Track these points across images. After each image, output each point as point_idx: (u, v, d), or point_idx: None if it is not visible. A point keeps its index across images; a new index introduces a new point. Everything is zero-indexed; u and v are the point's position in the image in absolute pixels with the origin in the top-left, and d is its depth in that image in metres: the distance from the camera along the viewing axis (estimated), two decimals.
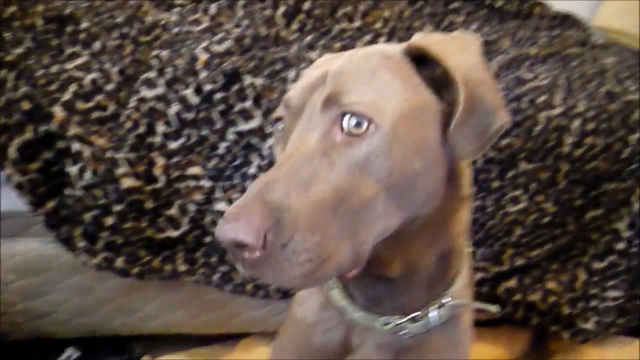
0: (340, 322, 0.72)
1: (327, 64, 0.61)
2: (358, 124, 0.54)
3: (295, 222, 0.49)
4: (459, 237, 0.66)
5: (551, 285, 1.31)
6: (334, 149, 0.54)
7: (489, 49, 1.45)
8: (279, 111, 0.60)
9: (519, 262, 1.27)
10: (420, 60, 0.58)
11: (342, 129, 0.54)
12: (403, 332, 0.68)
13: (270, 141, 1.10)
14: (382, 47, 0.61)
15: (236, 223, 0.48)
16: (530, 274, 1.31)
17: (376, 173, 0.53)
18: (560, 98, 1.23)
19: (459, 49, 0.57)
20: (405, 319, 0.67)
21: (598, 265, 1.29)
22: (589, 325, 1.30)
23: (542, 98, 1.22)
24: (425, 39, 0.59)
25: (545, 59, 1.45)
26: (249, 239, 0.47)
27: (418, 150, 0.56)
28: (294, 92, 0.60)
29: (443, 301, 0.67)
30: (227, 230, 0.48)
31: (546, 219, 1.24)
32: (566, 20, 1.76)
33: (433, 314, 0.67)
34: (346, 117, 0.54)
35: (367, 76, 0.56)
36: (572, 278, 1.30)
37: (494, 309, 0.70)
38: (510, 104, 1.19)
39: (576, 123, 1.19)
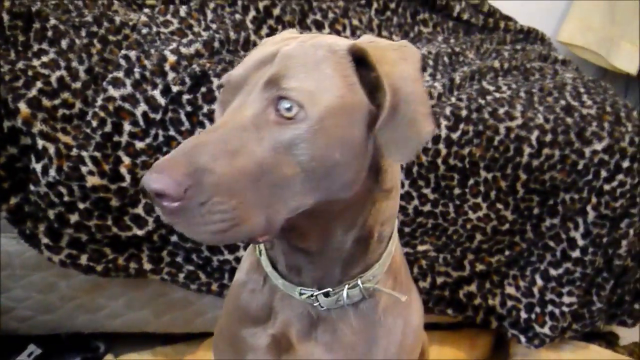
0: (266, 285, 0.77)
1: (282, 43, 0.64)
2: (290, 109, 0.57)
3: (216, 185, 0.53)
4: (380, 226, 0.71)
5: (510, 290, 1.35)
6: (266, 126, 0.57)
7: (455, 60, 1.48)
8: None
9: (480, 267, 1.31)
10: (361, 61, 0.61)
11: (276, 109, 0.57)
12: (317, 304, 0.72)
13: None
14: (332, 39, 0.64)
15: (161, 175, 0.51)
16: (490, 278, 1.35)
17: (298, 156, 0.57)
18: (520, 110, 1.27)
19: (397, 59, 0.61)
20: (318, 292, 0.71)
21: (554, 271, 1.33)
22: (544, 330, 1.34)
23: (503, 109, 1.26)
24: (370, 43, 0.63)
25: (507, 71, 1.49)
26: (169, 191, 0.51)
27: (341, 143, 0.59)
28: (237, 69, 0.63)
29: (356, 282, 0.72)
30: (151, 181, 0.51)
31: (505, 226, 1.28)
32: (530, 35, 1.82)
33: (344, 292, 0.71)
34: (282, 100, 0.57)
35: (311, 65, 0.60)
36: (530, 283, 1.34)
37: (403, 298, 0.74)
38: (472, 113, 1.23)
39: (535, 134, 1.23)
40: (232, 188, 0.54)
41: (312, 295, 0.72)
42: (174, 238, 1.16)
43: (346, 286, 0.71)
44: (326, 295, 0.72)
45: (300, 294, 0.72)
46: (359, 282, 0.72)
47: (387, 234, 0.73)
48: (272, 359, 0.77)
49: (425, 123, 0.59)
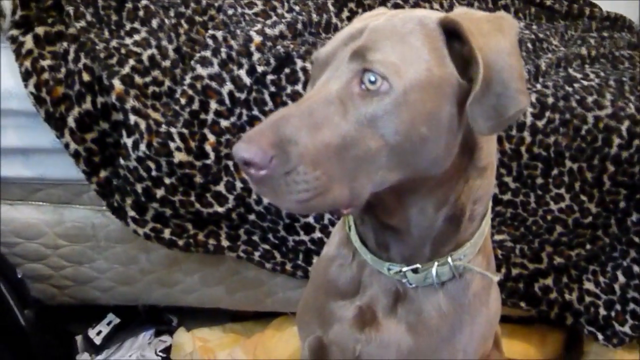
0: (355, 260, 0.77)
1: (372, 18, 0.63)
2: (374, 81, 0.57)
3: (300, 156, 0.54)
4: (473, 204, 0.69)
5: (589, 285, 1.30)
6: (351, 99, 0.57)
7: (538, 47, 1.44)
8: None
9: (558, 260, 1.27)
10: (453, 33, 0.59)
11: (361, 82, 0.58)
12: (405, 280, 0.72)
13: None
14: (422, 13, 0.63)
15: (249, 144, 0.53)
16: (568, 273, 1.31)
17: (383, 130, 0.57)
18: (610, 99, 1.22)
19: (492, 31, 0.58)
20: (407, 268, 0.71)
21: (638, 269, 1.28)
22: (625, 329, 1.29)
23: (591, 98, 1.21)
24: (463, 14, 0.61)
25: (595, 59, 1.43)
26: (256, 159, 0.53)
27: (428, 118, 0.58)
28: (326, 46, 0.64)
29: (446, 259, 0.70)
30: (240, 149, 0.53)
31: (588, 219, 1.23)
32: (616, 23, 1.74)
33: (433, 268, 0.70)
34: (367, 73, 0.57)
35: (398, 38, 0.59)
36: (611, 280, 1.29)
37: (495, 277, 0.73)
38: (559, 101, 1.19)
39: (625, 125, 1.18)
40: (316, 159, 0.55)
41: (400, 271, 0.71)
42: (251, 217, 1.18)
43: (435, 263, 0.70)
44: (415, 271, 0.71)
45: (389, 269, 0.72)
46: (449, 259, 0.70)
47: (479, 213, 0.71)
48: (357, 331, 0.77)
49: (520, 99, 0.57)
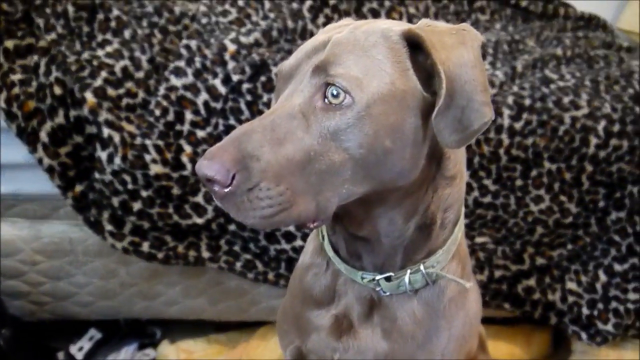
0: (329, 269, 0.77)
1: (335, 31, 0.63)
2: (337, 95, 0.57)
3: (263, 172, 0.54)
4: (444, 212, 0.69)
5: (571, 285, 1.31)
6: (313, 113, 0.57)
7: (515, 48, 1.44)
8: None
9: (540, 261, 1.27)
10: (417, 46, 0.59)
11: (324, 96, 0.57)
12: (378, 288, 0.72)
13: None
14: (386, 25, 0.62)
15: (211, 161, 0.53)
16: (551, 273, 1.31)
17: (346, 143, 0.57)
18: (586, 99, 1.23)
19: (455, 44, 0.58)
20: (380, 277, 0.71)
21: (619, 267, 1.28)
22: (608, 327, 1.29)
23: (568, 98, 1.22)
24: (426, 27, 0.60)
25: (570, 59, 1.44)
26: (218, 177, 0.53)
27: (392, 130, 0.58)
28: (289, 60, 0.64)
29: (418, 267, 0.70)
30: (202, 167, 0.54)
31: (568, 219, 1.24)
32: (591, 22, 1.75)
33: (406, 277, 0.70)
34: (330, 87, 0.57)
35: (360, 51, 0.59)
36: (593, 279, 1.30)
37: (467, 284, 0.72)
38: (536, 103, 1.19)
39: (602, 124, 1.19)
40: (279, 174, 0.55)
41: (373, 280, 0.71)
42: (232, 227, 1.17)
43: (408, 271, 0.70)
44: (388, 279, 0.71)
45: (362, 278, 0.72)
46: (422, 267, 0.70)
47: (451, 220, 0.71)
48: (334, 340, 0.77)
49: (484, 111, 0.57)
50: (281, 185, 0.55)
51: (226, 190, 0.54)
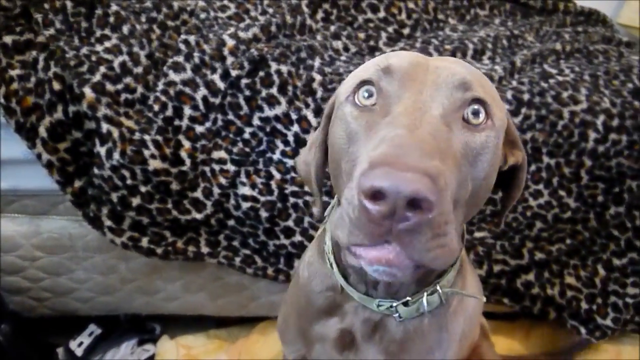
0: (335, 289, 0.75)
1: (422, 56, 0.61)
2: (477, 114, 0.55)
3: (447, 199, 0.46)
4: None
5: (570, 280, 1.31)
6: (455, 129, 0.54)
7: (514, 43, 1.44)
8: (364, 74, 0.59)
9: (539, 256, 1.27)
10: None
11: (463, 114, 0.55)
12: (395, 314, 0.70)
13: (295, 127, 1.11)
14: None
15: (418, 176, 0.42)
16: (550, 268, 1.31)
17: (479, 165, 0.55)
18: (585, 93, 1.23)
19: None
20: (398, 302, 0.69)
21: (618, 262, 1.29)
22: (607, 322, 1.29)
23: (567, 93, 1.22)
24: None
25: (569, 54, 1.44)
26: (432, 197, 0.42)
27: (497, 162, 0.60)
28: (400, 61, 0.58)
29: (435, 288, 0.70)
30: (406, 181, 0.41)
31: (567, 214, 1.24)
32: (591, 17, 1.75)
33: (424, 299, 0.69)
34: (472, 105, 0.55)
35: (487, 82, 0.60)
36: (592, 274, 1.30)
37: (483, 298, 0.74)
38: (535, 97, 1.19)
39: (601, 119, 1.19)
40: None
41: (390, 307, 0.70)
42: (231, 222, 1.17)
43: (425, 293, 0.69)
44: (405, 304, 0.70)
45: (379, 305, 0.70)
46: (438, 287, 0.70)
47: (460, 235, 0.71)
48: (337, 353, 0.77)
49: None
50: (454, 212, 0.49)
51: (430, 215, 0.43)
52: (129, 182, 1.07)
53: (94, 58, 1.08)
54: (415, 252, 0.45)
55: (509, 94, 1.18)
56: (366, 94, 0.58)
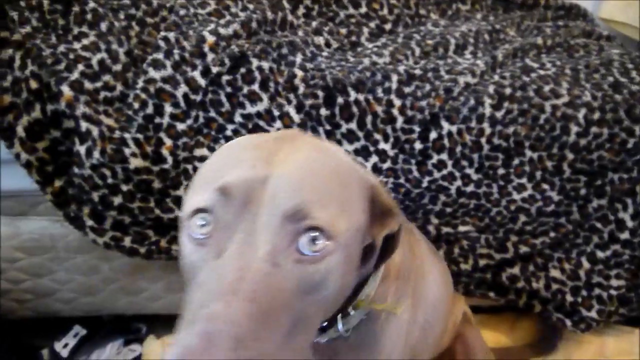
0: None
1: (287, 146, 0.56)
2: (313, 241, 0.50)
3: None
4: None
5: (555, 273, 1.32)
6: (286, 266, 0.49)
7: (495, 38, 1.44)
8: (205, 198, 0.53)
9: (523, 249, 1.28)
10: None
11: (296, 246, 0.50)
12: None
13: (277, 124, 1.11)
14: (350, 162, 0.61)
15: None
16: (534, 261, 1.32)
17: (325, 291, 0.51)
18: (566, 87, 1.23)
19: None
20: None
21: (602, 254, 1.30)
22: (592, 314, 1.30)
23: (548, 87, 1.22)
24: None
25: (551, 48, 1.44)
26: None
27: (353, 266, 0.57)
28: (237, 180, 0.52)
29: (348, 311, 0.67)
30: None
31: (551, 207, 1.24)
32: (571, 11, 1.75)
33: (339, 324, 0.67)
34: (307, 233, 0.50)
35: (334, 186, 0.54)
36: (576, 266, 1.31)
37: (398, 311, 0.72)
38: (517, 92, 1.19)
39: (582, 112, 1.19)
40: None
41: None
42: None
43: (339, 316, 0.67)
44: (321, 330, 0.67)
45: None
46: (350, 309, 0.67)
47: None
48: None
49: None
50: None
51: None
52: (109, 181, 1.05)
53: (71, 56, 1.06)
54: None
55: (491, 89, 1.18)
56: (202, 222, 0.52)
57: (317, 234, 0.50)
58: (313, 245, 0.50)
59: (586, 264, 1.31)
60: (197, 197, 0.54)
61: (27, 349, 1.38)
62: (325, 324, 0.67)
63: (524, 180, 1.22)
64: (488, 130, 1.17)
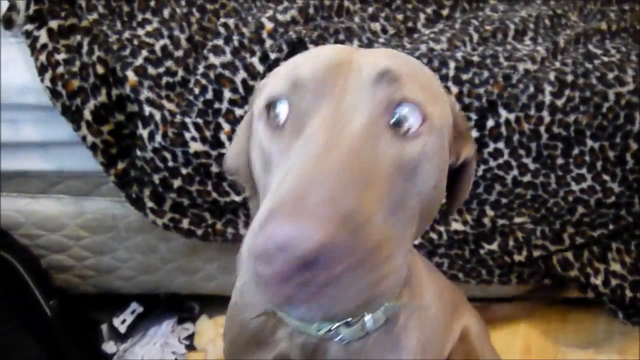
0: (271, 318, 0.69)
1: (346, 51, 0.52)
2: (407, 118, 0.46)
3: (371, 233, 0.37)
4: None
5: (614, 266, 1.28)
6: (381, 140, 0.45)
7: (557, 23, 1.40)
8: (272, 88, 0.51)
9: (580, 241, 1.25)
10: None
11: (390, 120, 0.46)
12: (337, 337, 0.64)
13: None
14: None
15: (318, 225, 0.34)
16: (591, 253, 1.29)
17: (420, 178, 0.47)
18: (632, 74, 1.18)
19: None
20: (338, 324, 0.62)
21: None
22: None
23: (612, 74, 1.18)
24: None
25: (615, 34, 1.39)
26: (340, 245, 0.34)
27: (446, 167, 0.53)
28: (312, 67, 0.49)
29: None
30: (298, 238, 0.34)
31: (611, 199, 1.21)
32: None
33: (367, 317, 0.63)
34: (400, 107, 0.46)
35: (423, 73, 0.52)
36: (636, 259, 1.27)
37: (433, 309, 0.70)
38: (579, 79, 1.16)
39: None
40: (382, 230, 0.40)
41: (329, 330, 0.62)
42: None
43: (365, 314, 0.62)
44: (347, 325, 0.62)
45: (318, 329, 0.63)
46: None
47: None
48: None
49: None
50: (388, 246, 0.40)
51: (339, 270, 0.35)
52: (170, 164, 1.08)
53: (135, 42, 1.10)
54: (338, 306, 0.37)
55: (551, 75, 1.15)
56: (278, 111, 0.49)
57: (409, 109, 0.46)
58: (406, 123, 0.46)
59: None
60: (270, 87, 0.52)
61: (88, 323, 1.45)
62: (349, 319, 0.61)
63: (583, 171, 1.19)
64: (547, 119, 1.14)
